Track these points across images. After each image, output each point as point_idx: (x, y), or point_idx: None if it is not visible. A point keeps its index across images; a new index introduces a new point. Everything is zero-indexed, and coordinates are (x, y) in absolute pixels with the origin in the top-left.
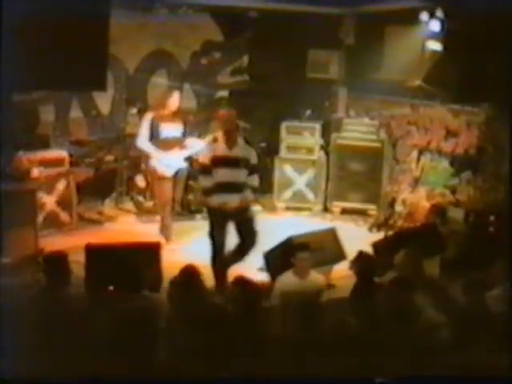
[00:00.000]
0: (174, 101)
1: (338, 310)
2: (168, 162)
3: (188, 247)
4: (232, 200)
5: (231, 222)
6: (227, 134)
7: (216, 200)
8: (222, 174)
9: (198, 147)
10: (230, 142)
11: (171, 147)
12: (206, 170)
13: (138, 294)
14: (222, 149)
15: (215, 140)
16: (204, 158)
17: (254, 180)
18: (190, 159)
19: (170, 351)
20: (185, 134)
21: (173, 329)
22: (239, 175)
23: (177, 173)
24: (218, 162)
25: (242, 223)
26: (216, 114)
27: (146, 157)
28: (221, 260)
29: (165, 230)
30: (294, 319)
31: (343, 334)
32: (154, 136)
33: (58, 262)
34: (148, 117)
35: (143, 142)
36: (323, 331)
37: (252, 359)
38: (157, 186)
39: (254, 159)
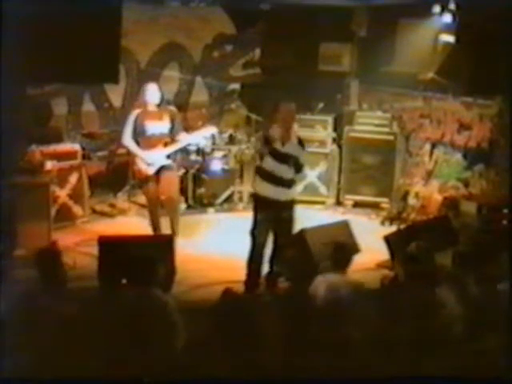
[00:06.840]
0: (151, 94)
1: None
2: (150, 160)
3: (200, 241)
4: (274, 191)
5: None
6: (284, 128)
7: (260, 186)
8: (270, 164)
9: (189, 141)
10: (285, 137)
11: (155, 145)
12: (266, 140)
13: (150, 288)
14: (275, 142)
15: (274, 130)
16: (272, 132)
17: (300, 178)
18: (202, 152)
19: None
20: (172, 131)
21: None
22: (286, 171)
23: (159, 170)
24: (270, 151)
25: (281, 223)
26: (276, 106)
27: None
28: (257, 261)
29: (154, 231)
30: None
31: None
32: (139, 133)
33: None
34: (133, 114)
35: (126, 139)
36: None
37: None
38: (143, 186)
39: (302, 159)
